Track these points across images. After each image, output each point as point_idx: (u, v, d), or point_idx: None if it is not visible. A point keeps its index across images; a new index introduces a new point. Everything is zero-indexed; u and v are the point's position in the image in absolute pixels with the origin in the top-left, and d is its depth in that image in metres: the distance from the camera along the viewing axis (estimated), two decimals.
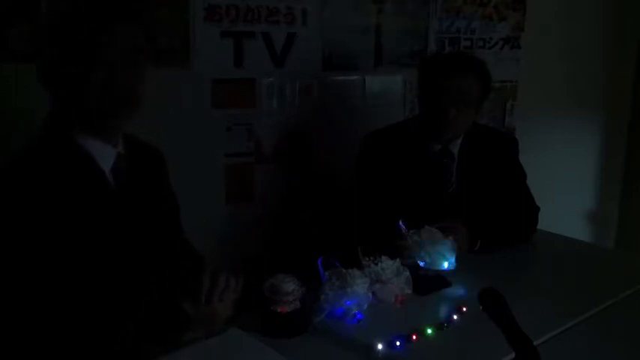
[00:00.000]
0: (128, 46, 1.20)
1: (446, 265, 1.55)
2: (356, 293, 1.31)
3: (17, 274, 1.08)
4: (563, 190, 3.23)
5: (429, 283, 1.48)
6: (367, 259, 1.42)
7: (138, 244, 1.25)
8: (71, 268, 1.12)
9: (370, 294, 1.35)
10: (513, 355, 0.97)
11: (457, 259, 1.56)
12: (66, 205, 1.13)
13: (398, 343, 1.20)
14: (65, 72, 1.16)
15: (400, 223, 1.58)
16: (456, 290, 1.48)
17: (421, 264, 1.54)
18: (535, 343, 0.97)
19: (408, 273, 1.43)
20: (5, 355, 1.07)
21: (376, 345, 1.18)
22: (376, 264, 1.41)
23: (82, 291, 1.12)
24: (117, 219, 1.22)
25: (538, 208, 1.90)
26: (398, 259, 1.45)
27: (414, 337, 1.23)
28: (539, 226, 1.90)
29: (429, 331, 1.26)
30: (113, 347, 1.10)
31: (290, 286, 1.23)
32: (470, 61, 1.79)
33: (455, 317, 1.31)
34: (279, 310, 1.22)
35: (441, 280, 1.51)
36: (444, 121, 1.73)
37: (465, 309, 1.34)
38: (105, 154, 1.23)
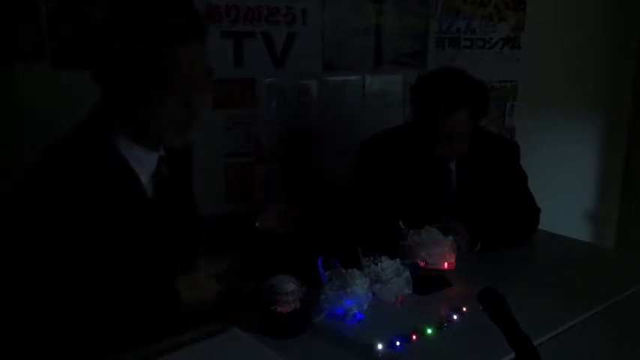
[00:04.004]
0: (200, 69, 1.15)
1: (446, 265, 1.55)
2: (356, 293, 1.31)
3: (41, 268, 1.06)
4: (563, 190, 3.23)
5: (429, 283, 1.48)
6: (367, 259, 1.42)
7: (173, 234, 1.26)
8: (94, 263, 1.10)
9: (370, 294, 1.35)
10: (513, 355, 0.97)
11: (457, 259, 1.56)
12: (96, 208, 1.09)
13: (398, 343, 1.20)
14: (127, 86, 1.11)
15: (401, 223, 1.59)
16: (456, 290, 1.48)
17: (421, 264, 1.54)
18: (535, 343, 0.97)
19: (408, 273, 1.43)
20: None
21: (376, 345, 1.18)
22: (376, 264, 1.40)
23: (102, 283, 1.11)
24: (148, 228, 1.20)
25: (539, 210, 1.90)
26: (398, 259, 1.45)
27: (414, 337, 1.23)
28: (539, 226, 1.90)
29: (429, 331, 1.26)
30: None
31: (290, 286, 1.23)
32: (461, 92, 1.67)
33: (455, 317, 1.31)
34: (279, 310, 1.22)
35: (441, 280, 1.51)
36: (433, 152, 1.71)
37: (465, 309, 1.34)
38: (146, 161, 1.21)
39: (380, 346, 1.18)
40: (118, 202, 1.14)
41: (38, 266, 1.07)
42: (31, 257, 1.07)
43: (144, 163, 1.21)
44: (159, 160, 1.24)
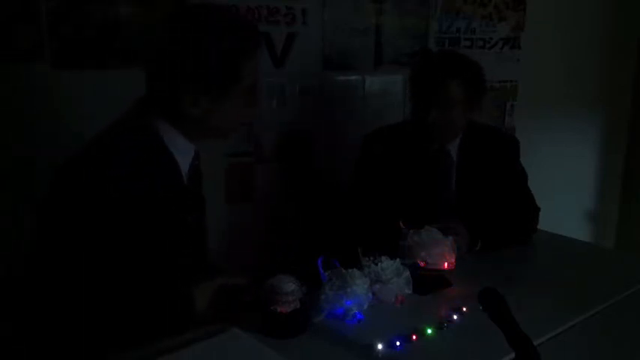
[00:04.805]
0: (254, 80, 1.22)
1: (446, 265, 1.55)
2: (356, 293, 1.31)
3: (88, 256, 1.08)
4: (563, 190, 3.23)
5: (429, 283, 1.48)
6: (367, 259, 1.42)
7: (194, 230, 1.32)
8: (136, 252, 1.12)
9: (370, 294, 1.35)
10: (513, 355, 0.97)
11: (457, 259, 1.56)
12: (145, 200, 1.12)
13: (398, 343, 1.20)
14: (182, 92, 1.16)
15: (401, 223, 1.59)
16: (456, 290, 1.48)
17: (421, 264, 1.54)
18: (535, 343, 0.97)
19: (408, 273, 1.43)
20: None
21: (376, 345, 1.18)
22: (376, 264, 1.40)
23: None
24: (186, 216, 1.27)
25: (539, 209, 1.90)
26: (398, 259, 1.45)
27: (414, 337, 1.23)
28: (539, 226, 1.90)
29: (429, 331, 1.26)
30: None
31: (290, 286, 1.23)
32: (456, 63, 1.74)
33: (455, 317, 1.31)
34: (279, 310, 1.22)
35: (441, 280, 1.51)
36: (426, 122, 1.72)
37: (465, 309, 1.34)
38: (186, 152, 1.26)
39: (380, 346, 1.18)
40: (164, 194, 1.18)
41: (88, 261, 1.08)
42: (79, 253, 1.08)
43: (184, 154, 1.25)
44: (195, 152, 1.29)
